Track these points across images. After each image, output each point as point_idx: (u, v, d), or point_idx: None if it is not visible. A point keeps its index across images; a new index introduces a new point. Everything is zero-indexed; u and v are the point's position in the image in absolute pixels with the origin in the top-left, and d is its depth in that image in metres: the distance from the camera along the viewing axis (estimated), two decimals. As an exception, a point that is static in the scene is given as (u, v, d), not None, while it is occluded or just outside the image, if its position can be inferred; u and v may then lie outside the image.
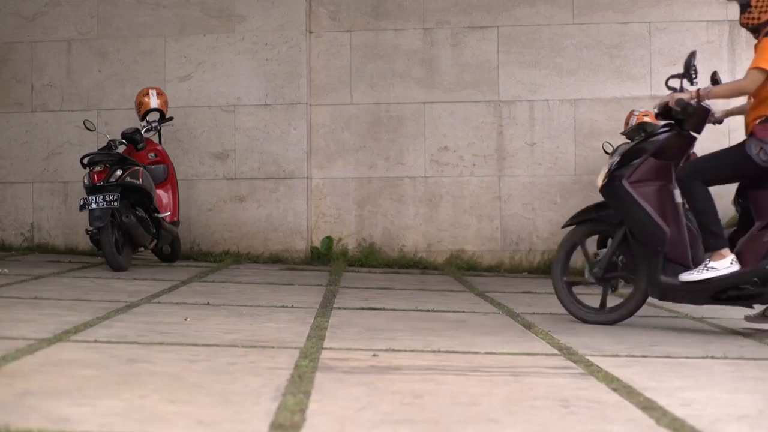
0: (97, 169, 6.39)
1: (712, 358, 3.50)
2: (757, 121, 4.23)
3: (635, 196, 4.36)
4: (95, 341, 3.36)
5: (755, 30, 4.34)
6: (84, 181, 6.46)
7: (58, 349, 3.17)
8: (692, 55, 4.48)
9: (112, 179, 6.32)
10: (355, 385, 2.72)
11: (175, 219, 7.19)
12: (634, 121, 7.17)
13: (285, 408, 2.38)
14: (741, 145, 4.28)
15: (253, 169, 7.95)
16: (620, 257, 4.53)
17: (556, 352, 3.52)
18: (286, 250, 7.83)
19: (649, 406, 2.56)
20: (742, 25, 4.41)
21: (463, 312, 4.77)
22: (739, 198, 4.58)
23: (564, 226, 4.79)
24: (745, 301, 4.27)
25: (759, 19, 4.29)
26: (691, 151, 4.93)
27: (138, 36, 8.12)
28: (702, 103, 4.37)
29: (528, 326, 4.25)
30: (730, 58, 7.72)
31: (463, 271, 7.52)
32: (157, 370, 2.86)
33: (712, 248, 4.23)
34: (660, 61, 7.76)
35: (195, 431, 2.14)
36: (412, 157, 7.91)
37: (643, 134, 4.64)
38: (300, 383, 2.71)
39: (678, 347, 3.75)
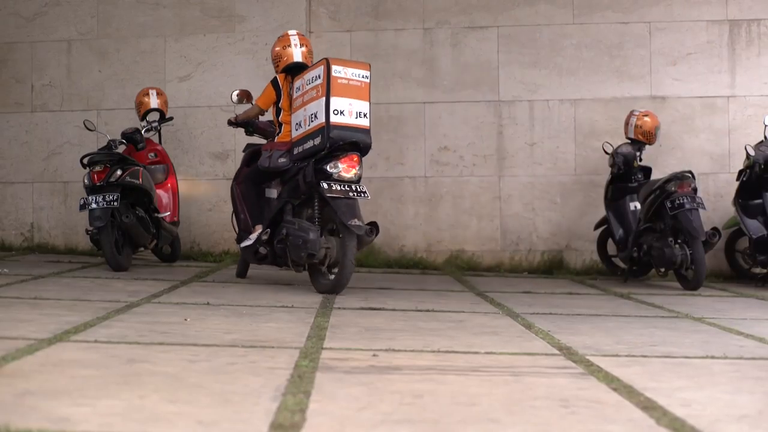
0: (97, 169, 6.39)
1: (712, 358, 3.50)
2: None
3: (234, 192, 5.97)
4: (95, 341, 3.36)
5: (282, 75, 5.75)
6: (84, 181, 6.46)
7: (58, 349, 3.17)
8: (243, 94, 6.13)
9: (112, 179, 6.32)
10: (355, 385, 2.72)
11: (175, 219, 7.19)
12: (634, 121, 7.16)
13: (285, 408, 2.38)
14: None
15: (253, 169, 7.94)
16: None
17: (556, 352, 3.52)
18: (286, 250, 7.82)
19: (649, 406, 2.56)
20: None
21: (463, 312, 4.77)
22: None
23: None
24: (269, 260, 5.67)
25: (278, 69, 5.77)
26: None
27: (138, 36, 8.13)
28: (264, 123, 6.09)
29: (528, 326, 4.25)
30: (730, 58, 7.72)
31: (463, 271, 7.52)
32: (157, 370, 2.86)
33: (254, 225, 5.77)
34: (660, 61, 7.76)
35: (195, 431, 2.14)
36: (412, 157, 7.91)
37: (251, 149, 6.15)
38: (300, 383, 2.71)
39: (678, 347, 3.75)
